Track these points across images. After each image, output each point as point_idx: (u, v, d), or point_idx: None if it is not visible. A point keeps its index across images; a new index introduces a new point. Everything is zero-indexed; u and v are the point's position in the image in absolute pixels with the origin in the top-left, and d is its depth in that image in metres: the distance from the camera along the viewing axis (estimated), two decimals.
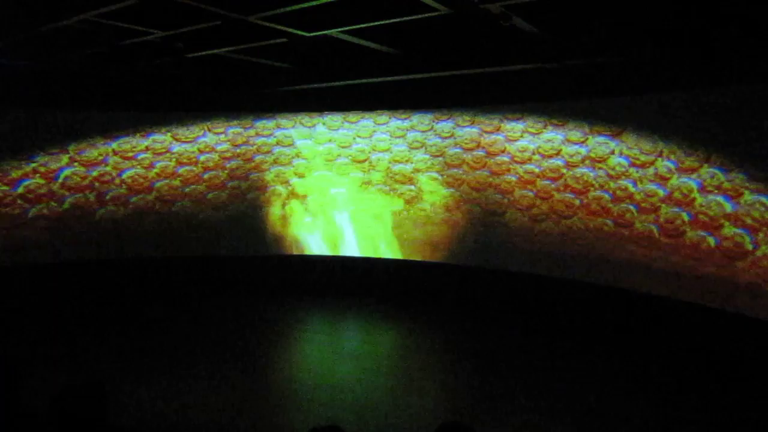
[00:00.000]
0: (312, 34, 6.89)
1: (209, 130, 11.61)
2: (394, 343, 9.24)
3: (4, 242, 10.14)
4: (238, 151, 11.76)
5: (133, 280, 10.94)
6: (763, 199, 7.13)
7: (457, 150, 10.67)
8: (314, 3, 5.96)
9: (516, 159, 10.03)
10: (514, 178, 10.07)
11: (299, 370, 7.88)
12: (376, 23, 6.51)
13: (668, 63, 7.73)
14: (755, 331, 7.15)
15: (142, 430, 5.73)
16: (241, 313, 10.10)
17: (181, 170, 11.53)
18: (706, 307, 7.76)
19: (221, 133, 11.68)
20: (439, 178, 10.86)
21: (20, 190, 10.36)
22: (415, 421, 6.15)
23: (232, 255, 11.73)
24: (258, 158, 11.80)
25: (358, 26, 6.67)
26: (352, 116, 11.46)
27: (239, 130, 11.73)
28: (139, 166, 11.26)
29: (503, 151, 10.15)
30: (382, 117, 11.26)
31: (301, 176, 11.79)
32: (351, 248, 11.62)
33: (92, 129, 10.83)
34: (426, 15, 6.13)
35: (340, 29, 6.76)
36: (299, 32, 6.83)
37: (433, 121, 10.85)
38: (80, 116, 10.70)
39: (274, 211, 11.82)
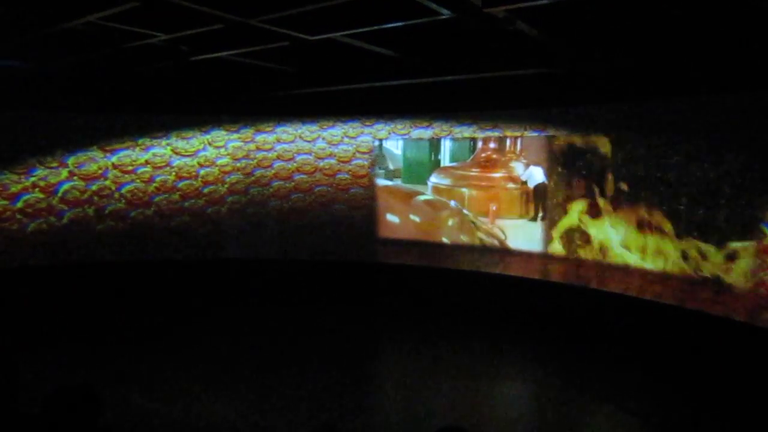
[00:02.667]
0: (315, 38, 6.90)
1: (209, 144, 11.60)
2: None
3: (3, 258, 10.13)
4: (238, 165, 11.77)
5: (131, 284, 10.85)
6: None
7: None
8: (317, 6, 5.98)
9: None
10: None
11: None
12: (380, 27, 6.51)
13: (677, 68, 7.69)
14: None
15: None
16: (241, 320, 10.01)
17: (180, 184, 11.52)
18: None
19: (221, 147, 11.68)
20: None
21: (19, 204, 10.34)
22: None
23: (234, 258, 11.73)
24: (258, 173, 11.81)
25: (361, 30, 6.67)
26: (352, 131, 11.48)
27: (239, 144, 11.73)
28: (138, 180, 11.22)
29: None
30: (382, 132, 11.27)
31: (301, 191, 11.79)
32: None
33: (92, 142, 10.82)
34: (430, 19, 6.15)
35: (343, 33, 6.78)
36: (302, 35, 6.85)
37: (433, 138, 10.87)
38: (81, 124, 10.67)
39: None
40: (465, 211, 10.55)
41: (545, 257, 9.69)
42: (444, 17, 6.06)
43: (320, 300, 10.97)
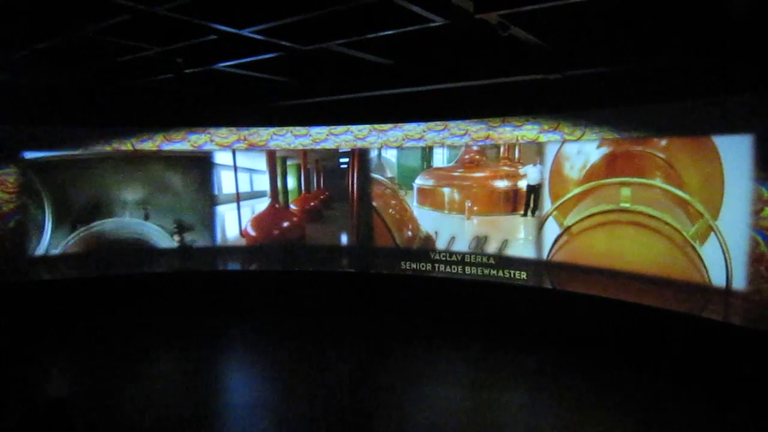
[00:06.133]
0: (308, 48, 6.90)
1: None
2: None
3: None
4: None
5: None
6: None
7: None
8: (309, 15, 5.98)
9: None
10: None
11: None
12: (373, 35, 6.51)
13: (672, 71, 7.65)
14: None
15: None
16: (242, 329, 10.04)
17: None
18: None
19: None
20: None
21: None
22: None
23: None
24: None
25: (354, 38, 6.68)
26: (345, 144, 11.46)
27: None
28: None
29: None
30: (374, 145, 11.26)
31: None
32: None
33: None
34: (423, 26, 6.16)
35: (336, 42, 6.78)
36: (295, 45, 6.85)
37: (425, 149, 10.92)
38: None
39: None
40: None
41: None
42: (437, 24, 6.09)
43: (318, 308, 10.89)
